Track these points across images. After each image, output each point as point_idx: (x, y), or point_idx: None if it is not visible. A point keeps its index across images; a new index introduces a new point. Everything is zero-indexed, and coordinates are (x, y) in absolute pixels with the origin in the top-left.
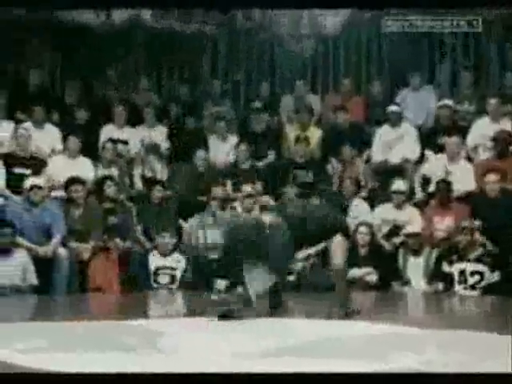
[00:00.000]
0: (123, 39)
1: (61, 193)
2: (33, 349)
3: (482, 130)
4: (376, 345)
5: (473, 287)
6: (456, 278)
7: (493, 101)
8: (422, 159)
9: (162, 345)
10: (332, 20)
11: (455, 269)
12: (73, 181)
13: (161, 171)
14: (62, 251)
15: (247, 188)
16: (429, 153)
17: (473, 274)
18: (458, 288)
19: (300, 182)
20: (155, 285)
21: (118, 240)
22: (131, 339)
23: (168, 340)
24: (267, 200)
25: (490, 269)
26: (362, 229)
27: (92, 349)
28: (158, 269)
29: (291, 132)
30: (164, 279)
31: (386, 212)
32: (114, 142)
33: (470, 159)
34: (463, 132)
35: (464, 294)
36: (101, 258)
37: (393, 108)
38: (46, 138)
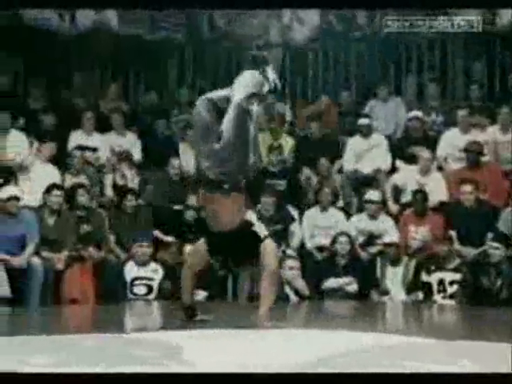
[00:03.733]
0: (89, 45)
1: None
2: (47, 363)
3: (452, 141)
4: (391, 355)
5: (452, 296)
6: (435, 287)
7: (462, 112)
8: (392, 169)
9: (183, 358)
10: (300, 28)
11: (434, 278)
12: (53, 187)
13: (132, 179)
14: (36, 261)
15: None
16: (399, 163)
17: (451, 283)
18: (436, 297)
19: (274, 191)
20: (131, 296)
21: (91, 249)
22: (146, 353)
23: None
24: None
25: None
26: (342, 239)
27: (102, 363)
28: (134, 279)
29: (263, 140)
30: (140, 290)
31: (360, 222)
32: (82, 149)
33: (440, 169)
34: (432, 142)
35: (443, 303)
36: (76, 268)
37: (363, 120)
38: (11, 144)
